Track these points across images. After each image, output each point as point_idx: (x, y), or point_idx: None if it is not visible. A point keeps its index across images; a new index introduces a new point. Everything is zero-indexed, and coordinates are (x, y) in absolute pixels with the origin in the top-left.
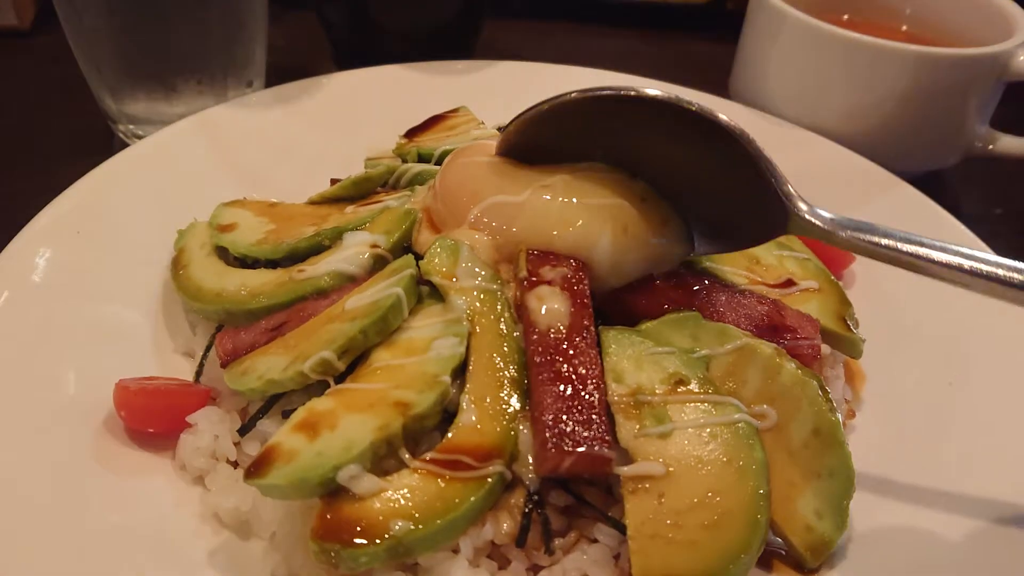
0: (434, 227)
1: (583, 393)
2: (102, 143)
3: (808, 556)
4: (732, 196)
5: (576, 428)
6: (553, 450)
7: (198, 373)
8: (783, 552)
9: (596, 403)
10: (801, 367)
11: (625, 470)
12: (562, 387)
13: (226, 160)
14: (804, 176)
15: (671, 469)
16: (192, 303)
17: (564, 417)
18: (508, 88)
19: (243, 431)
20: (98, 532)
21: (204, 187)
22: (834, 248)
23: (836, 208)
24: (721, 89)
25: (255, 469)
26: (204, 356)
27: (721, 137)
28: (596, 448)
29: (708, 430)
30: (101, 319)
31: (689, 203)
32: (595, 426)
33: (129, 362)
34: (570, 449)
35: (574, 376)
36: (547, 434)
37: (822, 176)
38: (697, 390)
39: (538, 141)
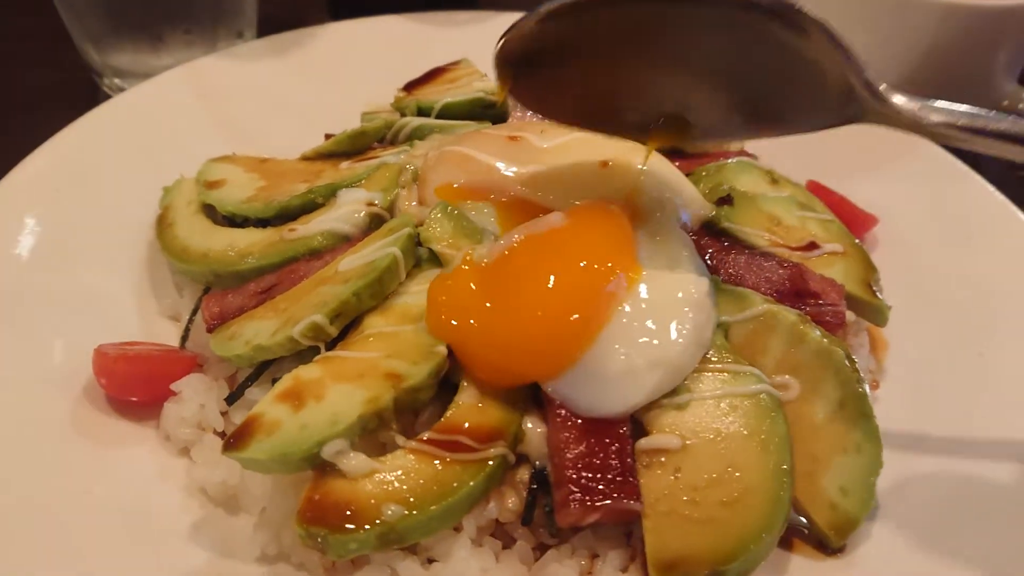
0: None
1: (608, 439)
2: (86, 98)
3: (832, 535)
4: (788, 84)
5: (602, 478)
6: (577, 506)
7: (183, 338)
8: (805, 531)
9: (622, 445)
10: (826, 335)
11: (640, 443)
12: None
13: (215, 113)
14: (816, 133)
15: (688, 442)
16: (178, 264)
17: (588, 466)
18: None
19: (231, 400)
20: (77, 506)
21: (191, 142)
22: (855, 210)
23: (859, 167)
24: None
25: (235, 441)
26: (190, 320)
27: (782, 27)
28: (625, 502)
29: (727, 401)
30: (80, 281)
31: (736, 94)
32: (622, 472)
33: (111, 327)
34: (596, 504)
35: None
36: (570, 488)
37: (839, 134)
38: (715, 359)
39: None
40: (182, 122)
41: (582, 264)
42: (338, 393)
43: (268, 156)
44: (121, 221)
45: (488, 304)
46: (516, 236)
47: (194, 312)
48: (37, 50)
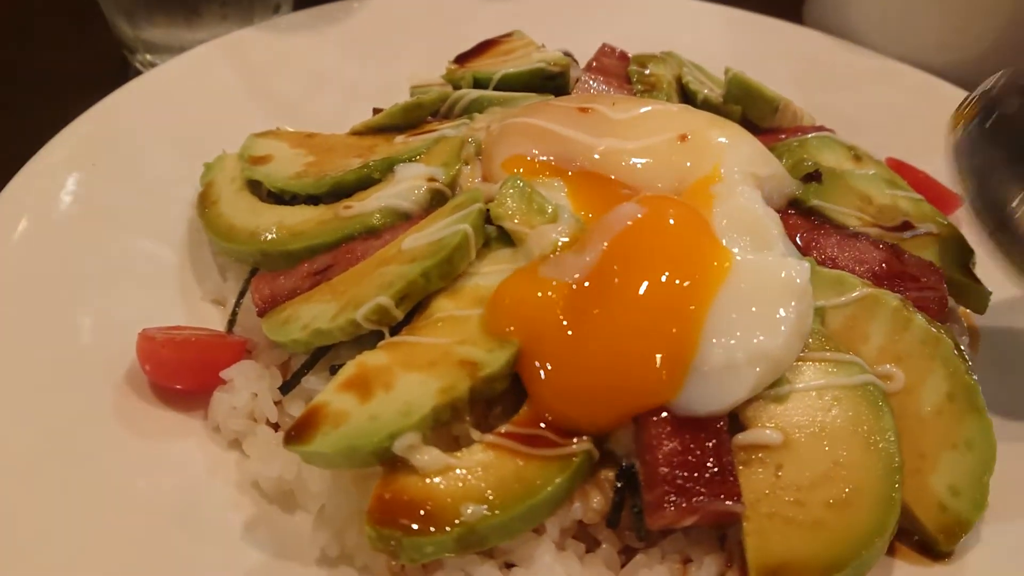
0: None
1: (704, 435)
2: (117, 75)
3: (941, 539)
4: None
5: (699, 477)
6: (672, 508)
7: (231, 322)
8: (913, 536)
9: (720, 441)
10: (931, 321)
11: (738, 439)
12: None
13: (254, 87)
14: (891, 109)
15: (790, 438)
16: (223, 243)
17: (683, 464)
18: (561, 12)
19: (285, 389)
20: (119, 502)
21: (231, 116)
22: (940, 189)
23: (928, 144)
24: (794, 15)
25: (297, 433)
26: (237, 304)
27: None
28: (725, 503)
29: (830, 393)
30: (121, 261)
31: None
32: (721, 471)
33: (152, 309)
34: (694, 505)
35: None
36: (664, 488)
37: (912, 110)
38: (815, 347)
39: None
40: (221, 97)
41: (676, 281)
42: (409, 382)
43: (314, 131)
44: (160, 200)
45: (573, 333)
46: (595, 249)
47: (241, 295)
48: (67, 26)
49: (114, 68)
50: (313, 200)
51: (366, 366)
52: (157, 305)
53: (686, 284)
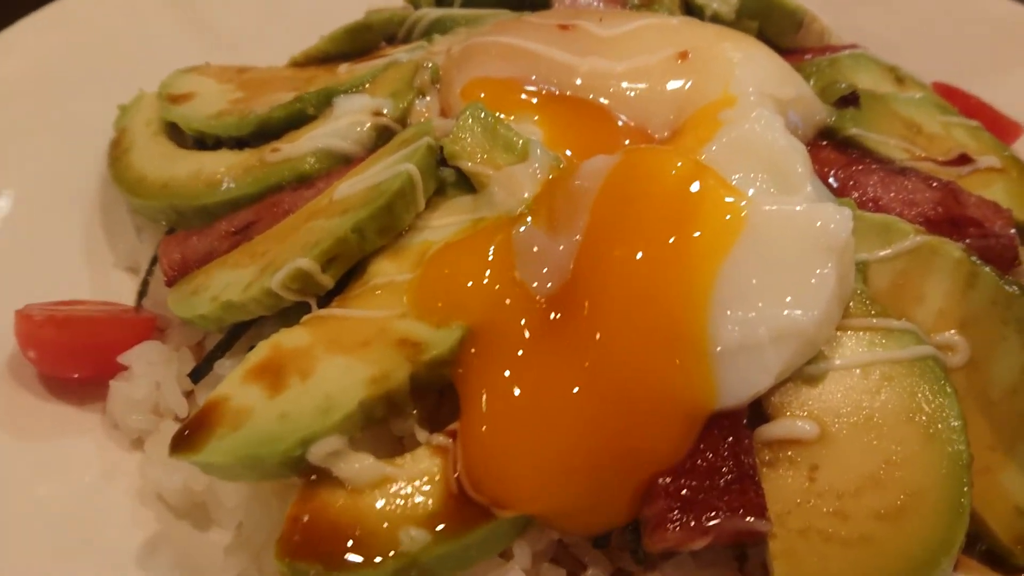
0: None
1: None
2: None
3: (1018, 551)
4: None
5: (711, 486)
6: (678, 528)
7: (140, 294)
8: (979, 545)
9: (738, 438)
10: (1003, 276)
11: (761, 432)
12: None
13: (189, 17)
14: (934, 27)
15: (827, 430)
16: (131, 198)
17: (691, 470)
18: None
19: (196, 376)
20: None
21: (159, 51)
22: (997, 116)
23: (996, 63)
24: None
25: (187, 437)
26: (148, 271)
27: None
28: (745, 519)
29: (878, 370)
30: (13, 225)
31: None
32: (740, 477)
33: (52, 283)
34: (705, 525)
35: None
36: (667, 503)
37: (971, 24)
38: (857, 312)
39: None
40: (149, 27)
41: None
42: (333, 368)
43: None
44: (69, 148)
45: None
46: (570, 235)
47: (154, 262)
48: None
49: None
50: (241, 144)
51: (281, 348)
52: (58, 276)
53: (685, 283)
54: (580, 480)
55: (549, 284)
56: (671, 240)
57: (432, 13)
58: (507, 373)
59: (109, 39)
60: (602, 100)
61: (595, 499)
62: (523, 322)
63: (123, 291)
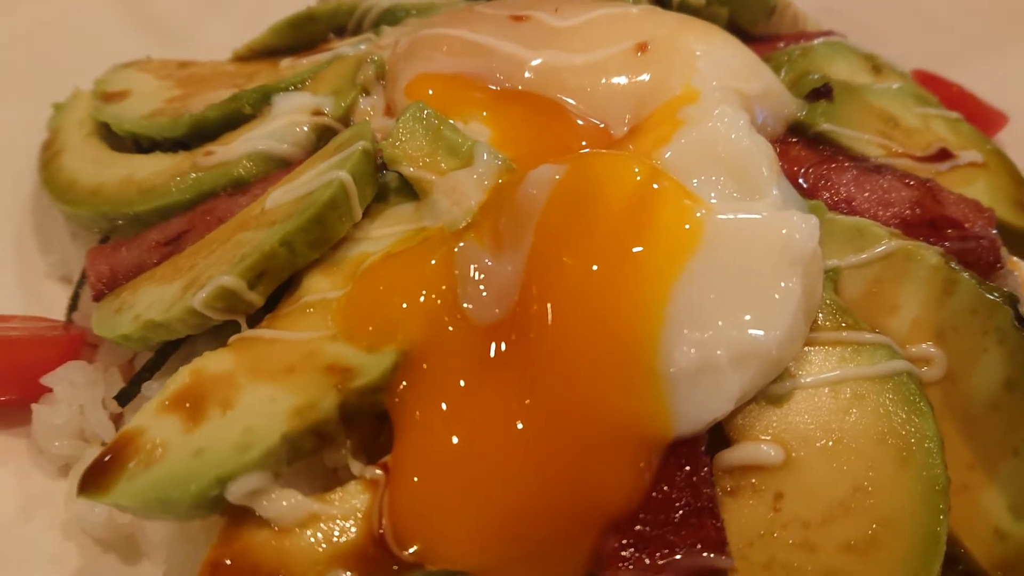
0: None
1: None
2: None
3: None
4: None
5: (666, 520)
6: (631, 569)
7: (70, 309)
8: (958, 566)
9: (695, 466)
10: (983, 282)
11: (721, 457)
12: None
13: (131, 7)
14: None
15: (793, 454)
16: (61, 205)
17: (644, 504)
18: None
19: (123, 399)
20: None
21: (101, 44)
22: (979, 106)
23: (979, 49)
24: None
25: (94, 476)
26: (80, 284)
27: None
28: (704, 555)
29: (848, 388)
30: None
31: None
32: (697, 509)
33: None
34: (657, 563)
35: None
36: (617, 540)
37: (952, 7)
38: (826, 324)
39: None
40: (89, 18)
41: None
42: (255, 398)
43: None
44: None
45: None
46: (515, 256)
47: (85, 274)
48: None
49: None
50: (178, 147)
51: (203, 374)
52: None
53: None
54: (522, 534)
55: (493, 311)
56: (621, 255)
57: (382, 2)
58: (443, 406)
59: (47, 31)
60: (557, 96)
61: (539, 554)
62: (462, 349)
63: (54, 303)
